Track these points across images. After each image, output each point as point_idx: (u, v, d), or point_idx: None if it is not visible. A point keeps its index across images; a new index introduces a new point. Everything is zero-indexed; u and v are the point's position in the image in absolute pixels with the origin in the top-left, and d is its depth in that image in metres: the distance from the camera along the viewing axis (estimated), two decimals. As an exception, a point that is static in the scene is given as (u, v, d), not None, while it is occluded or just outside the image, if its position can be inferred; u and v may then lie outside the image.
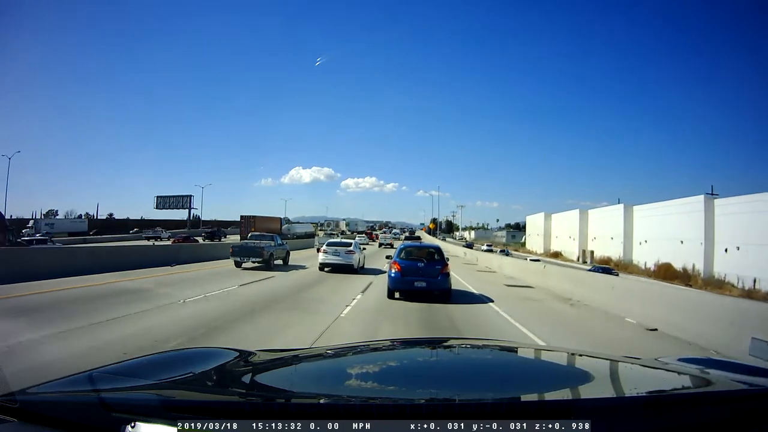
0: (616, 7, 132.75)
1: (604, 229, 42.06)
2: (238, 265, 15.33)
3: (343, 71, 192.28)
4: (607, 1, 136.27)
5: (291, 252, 18.98)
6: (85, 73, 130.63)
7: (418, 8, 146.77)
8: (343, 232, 62.13)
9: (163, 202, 69.25)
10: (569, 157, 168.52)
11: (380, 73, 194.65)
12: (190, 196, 66.72)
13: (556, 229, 53.25)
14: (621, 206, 40.19)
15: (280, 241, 18.11)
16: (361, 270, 15.78)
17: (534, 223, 60.51)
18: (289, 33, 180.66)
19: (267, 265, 15.23)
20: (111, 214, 77.86)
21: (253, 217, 48.01)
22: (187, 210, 66.87)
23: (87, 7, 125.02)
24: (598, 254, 41.42)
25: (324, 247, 15.91)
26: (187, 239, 37.24)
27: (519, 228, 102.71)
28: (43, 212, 67.99)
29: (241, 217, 48.50)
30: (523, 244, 65.73)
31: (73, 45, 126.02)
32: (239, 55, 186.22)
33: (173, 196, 68.35)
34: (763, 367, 1.67)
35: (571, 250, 46.99)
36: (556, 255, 48.45)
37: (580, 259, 41.85)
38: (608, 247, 40.70)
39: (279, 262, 16.79)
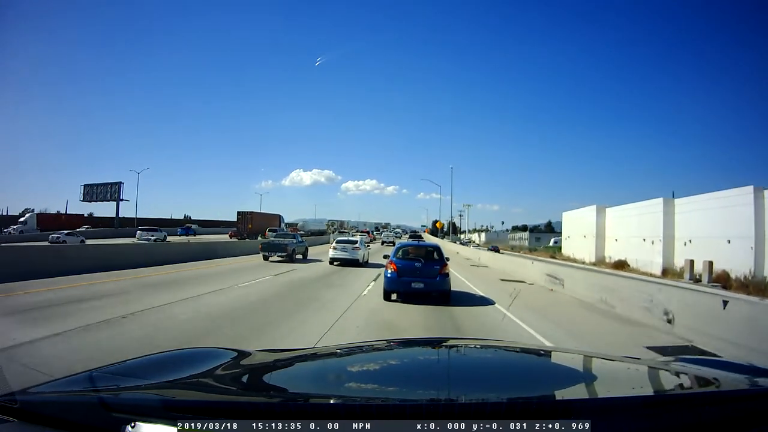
0: (619, 10, 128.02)
1: (710, 226, 26.56)
2: (266, 258, 18.45)
3: (343, 71, 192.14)
4: (608, 4, 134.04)
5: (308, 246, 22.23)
6: (82, 73, 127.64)
7: (418, 8, 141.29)
8: (350, 231, 64.45)
9: (91, 193, 54.23)
10: (571, 159, 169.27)
11: (381, 75, 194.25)
12: (119, 183, 51.88)
13: (615, 229, 37.52)
14: (748, 189, 24.64)
15: (300, 239, 21.45)
16: (366, 264, 17.87)
17: (577, 222, 44.52)
18: (289, 34, 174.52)
19: (290, 259, 18.43)
20: (91, 213, 68.89)
21: (251, 213, 47.11)
22: (115, 202, 51.99)
23: (85, 6, 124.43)
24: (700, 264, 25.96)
25: (333, 243, 18.31)
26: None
27: (526, 229, 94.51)
28: (10, 210, 59.70)
29: (238, 213, 47.13)
30: (559, 249, 49.97)
31: (69, 44, 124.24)
32: (238, 56, 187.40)
33: (101, 185, 53.33)
34: (763, 367, 1.53)
35: (648, 258, 31.38)
36: (621, 266, 32.92)
37: (686, 275, 26.35)
38: (722, 255, 25.17)
39: (299, 256, 19.81)
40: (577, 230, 43.27)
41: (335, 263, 17.22)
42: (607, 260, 36.70)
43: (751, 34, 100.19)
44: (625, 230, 35.18)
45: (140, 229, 37.55)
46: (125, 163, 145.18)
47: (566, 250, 45.81)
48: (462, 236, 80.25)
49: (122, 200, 52.07)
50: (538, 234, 75.89)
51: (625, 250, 34.67)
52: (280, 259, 18.52)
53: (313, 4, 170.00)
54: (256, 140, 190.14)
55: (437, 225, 59.62)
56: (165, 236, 36.22)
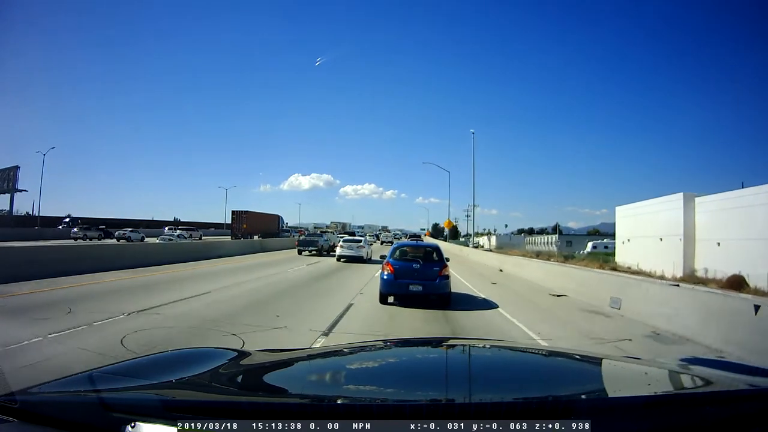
0: (618, 11, 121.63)
1: None
2: (300, 252, 23.78)
3: (342, 74, 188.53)
4: (609, 7, 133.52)
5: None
6: (79, 76, 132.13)
7: (417, 10, 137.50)
8: (333, 232, 67.65)
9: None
10: (570, 162, 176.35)
11: (379, 80, 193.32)
12: (15, 167, 40.69)
13: (717, 228, 25.79)
14: None
15: (326, 238, 26.17)
16: (369, 261, 20.41)
17: (643, 219, 32.55)
18: (287, 36, 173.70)
19: (320, 253, 23.39)
20: (69, 214, 65.45)
21: (246, 212, 46.41)
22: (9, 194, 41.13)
23: (79, 8, 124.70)
24: None
25: (340, 242, 21.74)
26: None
27: (533, 232, 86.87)
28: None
29: (233, 212, 46.90)
30: (610, 255, 38.19)
31: (69, 48, 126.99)
32: (238, 59, 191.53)
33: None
34: (763, 367, 1.54)
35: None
36: (737, 284, 21.18)
37: None
38: None
39: (325, 252, 24.31)
40: (644, 230, 31.34)
41: (342, 260, 19.89)
42: (701, 274, 24.96)
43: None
44: (740, 229, 23.48)
45: (179, 229, 43.96)
46: (121, 165, 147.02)
47: (623, 257, 33.74)
48: (473, 239, 68.88)
49: (18, 191, 41.35)
50: (571, 237, 62.60)
51: (740, 259, 23.01)
52: (311, 253, 23.62)
53: (311, 7, 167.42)
54: (255, 145, 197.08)
55: (446, 224, 48.02)
56: (201, 235, 43.52)
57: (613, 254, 37.61)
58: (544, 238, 64.10)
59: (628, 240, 33.21)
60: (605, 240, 50.23)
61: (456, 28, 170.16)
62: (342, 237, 30.99)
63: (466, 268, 19.04)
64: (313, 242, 24.61)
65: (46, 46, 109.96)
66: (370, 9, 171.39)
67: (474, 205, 35.07)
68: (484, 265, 22.15)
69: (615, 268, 29.65)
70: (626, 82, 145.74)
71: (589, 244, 46.78)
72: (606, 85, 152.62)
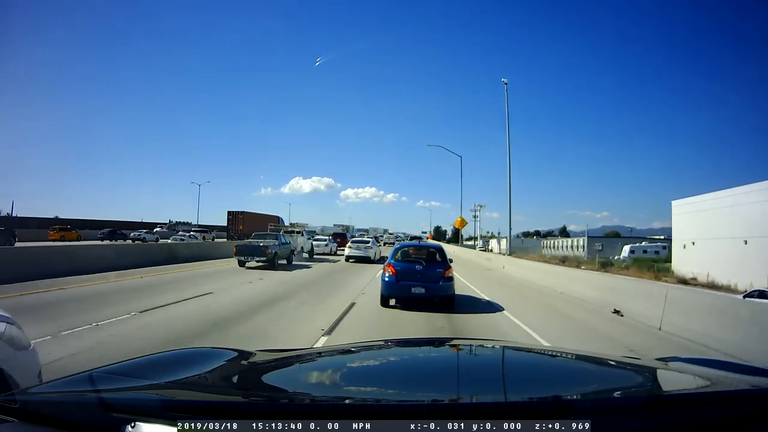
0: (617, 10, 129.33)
1: None
2: (241, 264, 15.66)
3: (343, 74, 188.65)
4: (609, 8, 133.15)
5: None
6: (78, 75, 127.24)
7: (417, 10, 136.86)
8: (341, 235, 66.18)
9: None
10: (568, 166, 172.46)
11: (380, 80, 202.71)
12: None
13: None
14: None
15: (283, 240, 18.06)
16: (378, 261, 19.68)
17: (716, 214, 26.60)
18: (287, 36, 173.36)
19: (272, 265, 15.51)
20: (56, 216, 65.10)
21: (242, 213, 45.08)
22: None
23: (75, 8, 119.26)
24: None
25: (349, 243, 21.68)
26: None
27: (540, 235, 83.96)
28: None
29: (229, 213, 46.13)
30: (658, 262, 31.89)
31: (65, 47, 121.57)
32: (237, 60, 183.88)
33: None
34: (763, 367, 1.53)
35: None
36: None
37: None
38: None
39: (283, 261, 17.06)
40: (716, 230, 25.11)
41: (351, 260, 19.79)
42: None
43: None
44: None
45: (193, 230, 46.83)
46: (121, 165, 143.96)
47: (683, 265, 27.58)
48: (491, 242, 62.54)
49: None
50: (602, 239, 54.60)
51: None
52: (258, 264, 17.07)
53: (312, 7, 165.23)
54: (256, 148, 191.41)
55: (457, 224, 40.39)
56: (213, 237, 45.67)
57: (662, 260, 31.30)
58: (567, 241, 57.50)
59: (692, 243, 26.85)
60: (643, 243, 44.36)
61: (457, 29, 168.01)
62: (316, 238, 28.16)
63: (555, 315, 8.87)
64: (258, 250, 15.33)
65: (42, 44, 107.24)
66: (371, 9, 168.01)
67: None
68: (560, 295, 11.35)
69: (685, 281, 23.22)
70: (626, 82, 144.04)
71: (626, 248, 40.37)
72: (605, 86, 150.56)
